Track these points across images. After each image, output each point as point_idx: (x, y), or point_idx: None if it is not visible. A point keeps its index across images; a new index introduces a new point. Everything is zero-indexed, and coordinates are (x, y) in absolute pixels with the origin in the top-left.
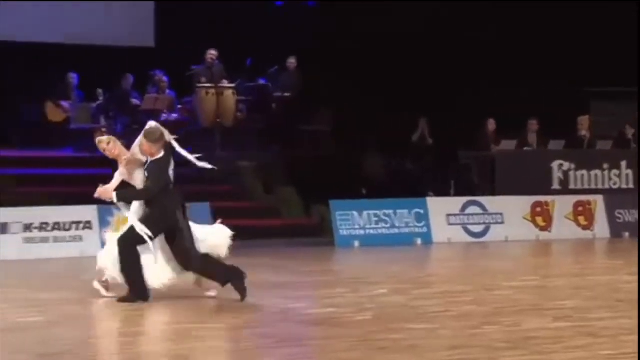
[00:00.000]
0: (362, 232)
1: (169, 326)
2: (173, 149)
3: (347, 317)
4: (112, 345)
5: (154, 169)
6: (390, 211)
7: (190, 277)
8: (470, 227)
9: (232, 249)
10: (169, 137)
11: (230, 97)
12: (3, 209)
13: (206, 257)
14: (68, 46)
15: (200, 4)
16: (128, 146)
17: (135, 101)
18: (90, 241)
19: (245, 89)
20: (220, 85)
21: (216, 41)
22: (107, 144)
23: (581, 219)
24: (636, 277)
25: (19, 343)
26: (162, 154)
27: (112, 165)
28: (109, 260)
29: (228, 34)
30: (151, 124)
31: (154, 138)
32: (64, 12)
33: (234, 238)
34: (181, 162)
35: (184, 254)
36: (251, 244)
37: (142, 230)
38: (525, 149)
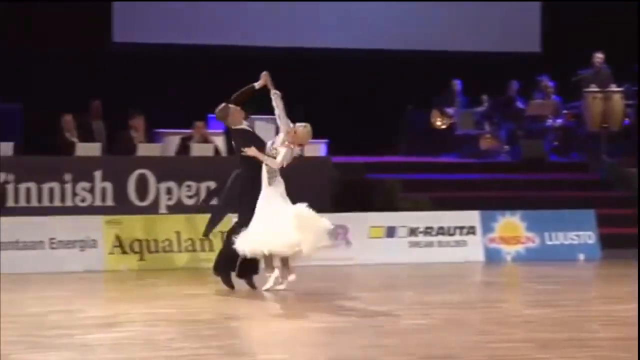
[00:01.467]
0: None
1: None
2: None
3: None
4: (492, 350)
5: None
6: None
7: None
8: None
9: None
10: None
11: (618, 101)
12: (390, 214)
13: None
14: (453, 53)
15: (584, 7)
16: None
17: (519, 104)
18: (474, 246)
19: (634, 92)
20: (608, 89)
21: (603, 44)
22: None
23: None
24: None
25: (403, 345)
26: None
27: (494, 170)
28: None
29: (615, 35)
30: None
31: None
32: (450, 20)
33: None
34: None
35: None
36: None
37: None
38: None
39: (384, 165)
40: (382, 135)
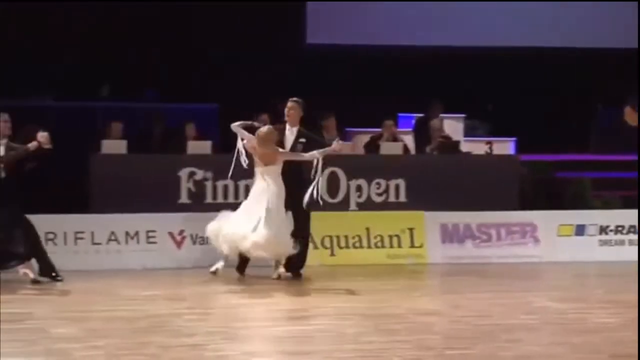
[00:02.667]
0: None
1: None
2: None
3: None
4: None
5: None
6: None
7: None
8: None
9: None
10: None
11: None
12: (580, 211)
13: None
14: None
15: None
16: None
17: None
18: None
19: None
20: None
21: None
22: None
23: None
24: None
25: (591, 343)
26: None
27: None
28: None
29: None
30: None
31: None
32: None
33: None
34: None
35: None
36: None
37: None
38: None
39: (573, 163)
40: (572, 134)
